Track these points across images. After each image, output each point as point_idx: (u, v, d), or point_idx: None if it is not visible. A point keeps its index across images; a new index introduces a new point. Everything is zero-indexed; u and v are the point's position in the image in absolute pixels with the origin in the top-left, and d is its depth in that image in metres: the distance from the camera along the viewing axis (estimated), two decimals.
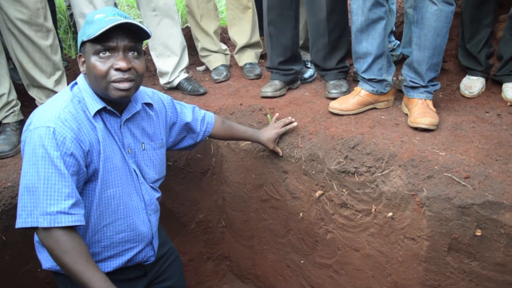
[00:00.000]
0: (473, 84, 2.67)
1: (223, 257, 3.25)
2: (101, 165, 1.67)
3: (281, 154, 2.48)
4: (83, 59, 1.67)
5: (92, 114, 1.65)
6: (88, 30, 1.59)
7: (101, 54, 1.60)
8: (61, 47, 3.74)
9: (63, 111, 1.59)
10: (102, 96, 1.68)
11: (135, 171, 1.81)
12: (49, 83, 2.68)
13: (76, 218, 1.56)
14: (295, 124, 2.48)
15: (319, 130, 2.44)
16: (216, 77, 3.38)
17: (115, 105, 1.72)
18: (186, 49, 3.28)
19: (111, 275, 1.79)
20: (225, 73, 3.39)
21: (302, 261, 2.70)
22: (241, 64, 3.53)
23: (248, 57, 3.51)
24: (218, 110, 2.84)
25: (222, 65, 3.46)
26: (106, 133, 1.70)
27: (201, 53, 3.51)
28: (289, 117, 2.53)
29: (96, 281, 1.52)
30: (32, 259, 2.29)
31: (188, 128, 2.12)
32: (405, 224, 2.06)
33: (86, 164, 1.64)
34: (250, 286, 3.18)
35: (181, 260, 2.28)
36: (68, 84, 2.80)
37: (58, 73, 2.71)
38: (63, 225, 1.52)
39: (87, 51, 1.62)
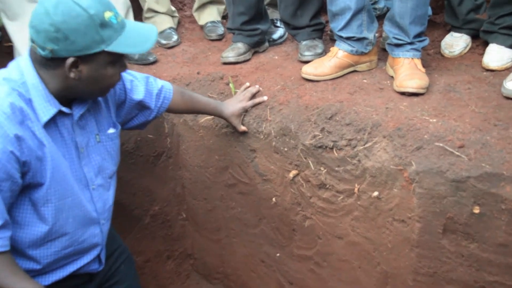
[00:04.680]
0: (454, 42, 2.68)
1: (186, 255, 3.25)
2: (48, 177, 1.66)
3: (246, 131, 2.48)
4: (84, 66, 1.60)
5: (44, 122, 1.62)
6: (107, 35, 1.56)
7: (117, 64, 1.68)
8: None
9: None
10: (64, 95, 1.66)
11: (85, 176, 1.81)
12: None
13: (1, 243, 1.57)
14: (264, 98, 2.48)
15: (291, 99, 2.43)
16: (164, 42, 3.35)
17: (66, 100, 1.70)
18: (131, 10, 3.22)
19: (50, 285, 1.83)
20: (175, 37, 3.37)
21: (278, 254, 2.72)
22: (201, 23, 3.52)
23: (209, 15, 3.50)
24: (171, 81, 2.77)
25: (170, 28, 3.42)
26: (57, 137, 1.69)
27: (145, 14, 3.46)
28: (257, 86, 2.52)
29: None
30: None
31: (140, 106, 2.10)
32: (393, 204, 2.08)
33: (22, 175, 1.61)
34: (219, 286, 3.19)
35: (133, 260, 2.29)
36: None
37: None
38: None
39: (100, 59, 1.60)
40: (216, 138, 2.67)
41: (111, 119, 1.94)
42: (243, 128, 2.46)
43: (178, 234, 3.16)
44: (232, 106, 2.41)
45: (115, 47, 1.59)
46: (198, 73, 2.84)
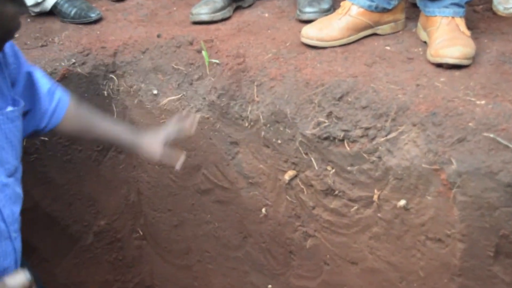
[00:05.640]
0: None
1: (144, 287, 3.27)
2: None
3: (177, 168, 2.32)
4: None
5: None
6: None
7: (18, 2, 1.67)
8: None
9: None
10: None
11: None
12: None
13: None
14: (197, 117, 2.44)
15: (286, 73, 2.43)
16: None
17: None
18: None
19: None
20: None
21: (269, 286, 2.75)
22: None
23: None
24: (121, 47, 2.82)
25: None
26: None
27: None
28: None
29: None
30: None
31: (31, 94, 2.08)
32: (426, 217, 2.09)
33: None
34: None
35: None
36: None
37: None
38: None
39: None
40: None
41: (9, 93, 1.93)
42: (176, 160, 2.30)
43: (132, 258, 3.18)
44: (154, 132, 2.31)
45: None
46: (158, 36, 2.83)
